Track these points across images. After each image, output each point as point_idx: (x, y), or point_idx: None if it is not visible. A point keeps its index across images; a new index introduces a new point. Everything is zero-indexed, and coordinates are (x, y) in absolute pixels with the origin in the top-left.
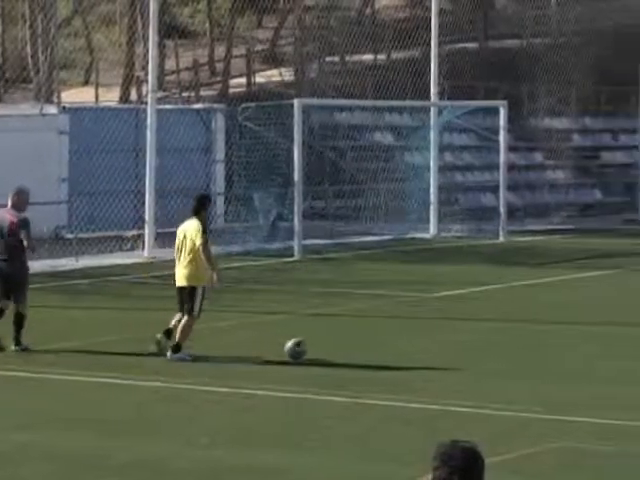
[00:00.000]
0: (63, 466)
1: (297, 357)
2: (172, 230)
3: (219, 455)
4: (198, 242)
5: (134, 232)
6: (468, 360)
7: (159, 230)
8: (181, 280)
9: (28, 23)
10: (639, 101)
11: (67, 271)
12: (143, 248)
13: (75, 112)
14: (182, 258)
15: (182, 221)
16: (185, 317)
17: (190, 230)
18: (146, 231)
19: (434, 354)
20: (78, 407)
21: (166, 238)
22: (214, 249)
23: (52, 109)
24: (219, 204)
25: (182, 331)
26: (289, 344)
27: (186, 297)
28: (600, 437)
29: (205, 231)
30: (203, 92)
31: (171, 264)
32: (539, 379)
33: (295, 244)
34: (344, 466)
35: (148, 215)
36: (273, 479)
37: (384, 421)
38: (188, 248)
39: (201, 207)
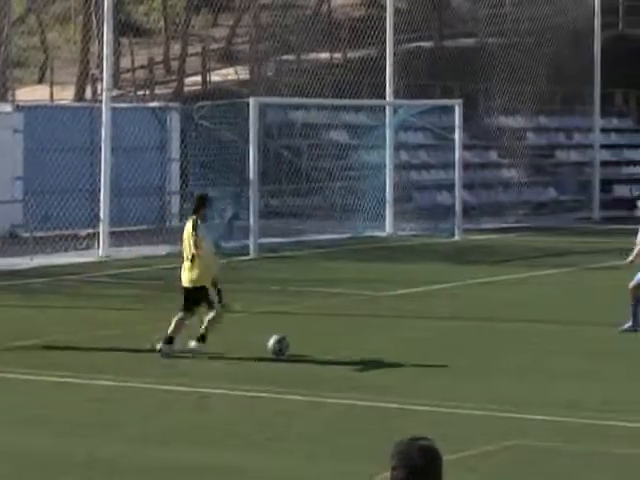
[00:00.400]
0: (19, 465)
1: (280, 353)
2: (127, 229)
3: (175, 454)
4: (191, 241)
5: (89, 231)
6: (424, 358)
7: (114, 229)
8: (187, 281)
9: None
10: (594, 100)
11: (22, 270)
12: (98, 247)
13: (30, 110)
14: (186, 259)
15: (137, 219)
16: (210, 313)
17: (186, 232)
18: (101, 230)
19: (390, 352)
20: (33, 406)
21: (121, 237)
22: (169, 248)
23: (6, 107)
24: (174, 203)
25: (210, 322)
26: (272, 341)
27: (201, 298)
28: (555, 435)
29: (195, 228)
30: (158, 90)
31: (126, 263)
32: (495, 377)
33: (251, 243)
34: (301, 465)
35: (103, 214)
36: (229, 478)
37: (340, 419)
38: (188, 250)
39: (199, 206)
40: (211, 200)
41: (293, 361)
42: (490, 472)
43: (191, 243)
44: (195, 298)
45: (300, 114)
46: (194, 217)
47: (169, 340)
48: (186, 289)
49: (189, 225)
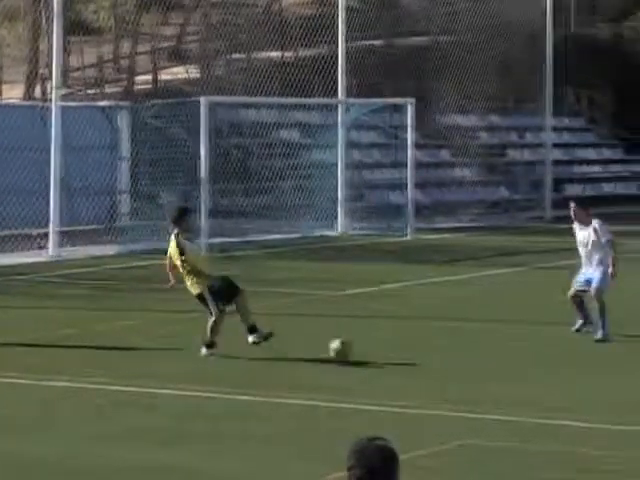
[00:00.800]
0: None
1: (344, 357)
2: (77, 228)
3: (127, 455)
4: (178, 263)
5: (40, 230)
6: (376, 358)
7: (64, 228)
8: (189, 289)
9: None
10: (546, 99)
11: None
12: (48, 247)
13: None
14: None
15: (87, 219)
16: (210, 319)
17: (170, 248)
18: (50, 229)
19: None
20: None
21: (71, 236)
22: (119, 247)
23: None
24: (124, 202)
25: (210, 329)
26: (335, 343)
27: (201, 304)
28: (509, 434)
29: (178, 246)
30: (108, 89)
31: (76, 263)
32: (448, 376)
33: (202, 242)
34: (255, 465)
35: (52, 213)
36: (181, 478)
37: (295, 420)
38: (177, 263)
39: (178, 218)
40: (190, 211)
41: (247, 361)
42: (443, 471)
43: (178, 257)
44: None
45: (251, 113)
46: (175, 232)
47: (210, 345)
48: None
49: (171, 242)
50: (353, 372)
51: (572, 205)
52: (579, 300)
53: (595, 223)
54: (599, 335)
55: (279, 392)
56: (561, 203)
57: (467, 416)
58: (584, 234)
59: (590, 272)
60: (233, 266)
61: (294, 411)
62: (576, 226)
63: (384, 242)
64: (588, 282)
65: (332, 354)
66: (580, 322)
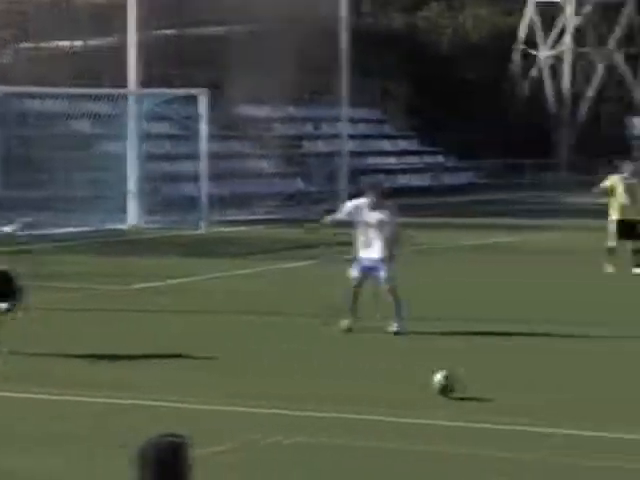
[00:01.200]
0: None
1: (448, 392)
2: None
3: None
4: None
5: None
6: (169, 352)
7: None
8: None
9: None
10: (342, 90)
11: None
12: None
13: None
14: None
15: None
16: None
17: None
18: None
19: (131, 347)
20: None
21: None
22: None
23: None
24: None
25: None
26: (438, 377)
27: None
28: (303, 429)
29: None
30: None
31: None
32: (234, 371)
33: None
34: (67, 466)
35: None
36: None
37: (95, 417)
38: None
39: None
40: None
41: (27, 357)
42: (238, 468)
43: None
44: None
45: (39, 103)
46: None
47: None
48: None
49: None
50: (142, 368)
51: (374, 188)
52: (359, 294)
53: (392, 206)
54: (396, 328)
55: (70, 390)
56: (356, 195)
57: (255, 411)
58: (376, 216)
59: (368, 257)
60: (18, 260)
61: (91, 409)
62: (364, 205)
63: (177, 235)
64: (368, 270)
65: (436, 387)
66: (351, 320)
